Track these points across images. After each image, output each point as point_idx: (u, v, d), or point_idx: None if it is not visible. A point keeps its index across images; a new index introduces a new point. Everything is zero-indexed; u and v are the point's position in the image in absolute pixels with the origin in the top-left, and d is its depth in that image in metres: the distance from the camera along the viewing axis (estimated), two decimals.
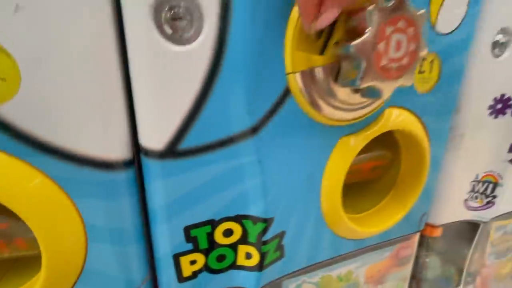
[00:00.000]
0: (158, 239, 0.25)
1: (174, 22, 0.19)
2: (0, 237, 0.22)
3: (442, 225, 0.43)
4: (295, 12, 0.21)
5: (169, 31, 0.19)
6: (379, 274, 0.40)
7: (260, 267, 0.29)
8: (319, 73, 0.23)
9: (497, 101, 0.37)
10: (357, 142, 0.28)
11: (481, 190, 0.42)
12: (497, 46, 0.34)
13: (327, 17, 0.19)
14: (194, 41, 0.20)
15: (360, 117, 0.27)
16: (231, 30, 0.20)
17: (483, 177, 0.41)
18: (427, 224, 0.43)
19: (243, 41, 0.21)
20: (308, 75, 0.23)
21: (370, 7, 0.19)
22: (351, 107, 0.25)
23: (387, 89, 0.22)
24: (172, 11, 0.19)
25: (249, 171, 0.25)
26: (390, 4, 0.20)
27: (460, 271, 0.48)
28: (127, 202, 0.24)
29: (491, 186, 0.42)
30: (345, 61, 0.22)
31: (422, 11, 0.21)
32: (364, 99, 0.25)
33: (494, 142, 0.39)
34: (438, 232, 0.44)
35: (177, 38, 0.20)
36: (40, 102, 0.19)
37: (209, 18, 0.20)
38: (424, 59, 0.29)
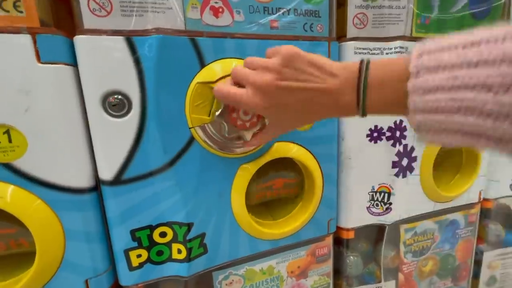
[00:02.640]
0: (114, 239, 0.38)
1: (114, 106, 0.34)
2: (11, 238, 0.36)
3: (353, 228, 0.54)
4: (189, 91, 0.36)
5: (111, 111, 0.34)
6: (300, 270, 0.51)
7: (188, 259, 0.41)
8: (209, 127, 0.37)
9: (372, 131, 0.50)
10: (253, 167, 0.41)
11: (379, 199, 0.53)
12: None
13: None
14: (126, 116, 0.34)
15: (249, 151, 0.41)
16: (148, 107, 0.35)
17: (378, 188, 0.53)
18: (341, 228, 0.54)
19: (157, 113, 0.35)
20: (203, 128, 0.37)
21: None
22: (237, 146, 0.39)
23: (247, 135, 0.36)
24: (112, 101, 0.34)
25: (171, 191, 0.38)
26: None
27: (380, 268, 0.58)
28: (92, 214, 0.37)
29: (386, 195, 0.53)
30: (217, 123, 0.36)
31: None
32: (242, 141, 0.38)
33: (380, 161, 0.51)
34: (351, 234, 0.55)
35: (116, 114, 0.34)
36: (38, 158, 0.33)
37: (134, 103, 0.34)
38: None
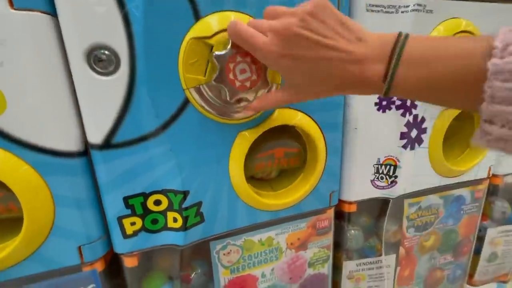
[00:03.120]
0: (106, 206, 0.36)
1: (100, 62, 0.31)
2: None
3: (356, 202, 0.53)
4: (183, 47, 0.32)
5: (97, 67, 0.31)
6: (300, 242, 0.50)
7: (184, 228, 0.39)
8: (206, 90, 0.34)
9: (381, 99, 0.47)
10: (252, 134, 0.39)
11: (385, 172, 0.51)
12: None
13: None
14: (114, 74, 0.31)
15: (249, 117, 0.38)
16: (138, 65, 0.32)
17: (384, 160, 0.50)
18: (343, 201, 0.53)
19: (147, 72, 0.32)
20: (199, 91, 0.34)
21: (215, 54, 0.30)
22: (236, 111, 0.36)
23: (250, 96, 0.33)
24: (98, 56, 0.30)
25: (165, 157, 0.36)
26: (228, 47, 0.30)
27: (382, 242, 0.57)
28: (83, 179, 0.35)
29: (392, 168, 0.51)
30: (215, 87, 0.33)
31: None
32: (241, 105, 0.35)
33: (387, 131, 0.48)
34: (353, 208, 0.53)
35: (102, 72, 0.31)
36: (20, 117, 0.30)
37: (122, 60, 0.31)
38: None
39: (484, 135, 0.20)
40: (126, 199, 0.36)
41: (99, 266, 0.39)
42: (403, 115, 0.47)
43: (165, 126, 0.34)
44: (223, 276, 0.46)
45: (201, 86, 0.34)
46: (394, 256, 0.59)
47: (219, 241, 0.44)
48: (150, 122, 0.34)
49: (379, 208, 0.56)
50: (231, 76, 0.32)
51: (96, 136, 0.33)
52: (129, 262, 0.40)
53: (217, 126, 0.37)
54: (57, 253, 0.36)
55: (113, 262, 0.42)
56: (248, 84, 0.32)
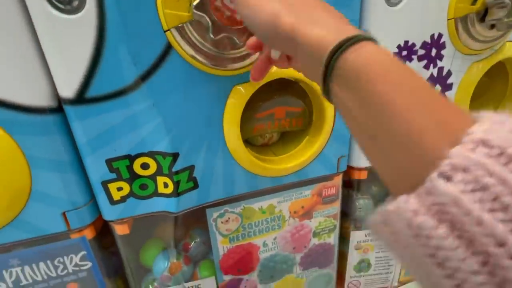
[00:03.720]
0: (89, 169, 0.33)
1: None
2: None
3: (367, 168, 0.48)
4: None
5: (56, 2, 0.25)
6: (304, 210, 0.47)
7: (176, 194, 0.36)
8: (189, 28, 0.28)
9: (401, 48, 0.40)
10: (248, 89, 0.34)
11: None
12: None
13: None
14: (79, 11, 0.26)
15: (246, 66, 0.32)
16: (106, 2, 0.26)
17: None
18: (352, 168, 0.48)
19: (119, 8, 0.27)
20: (181, 31, 0.29)
21: None
22: (230, 57, 0.31)
23: (240, 36, 0.27)
24: None
25: (148, 114, 0.31)
26: None
27: None
28: (59, 139, 0.31)
29: None
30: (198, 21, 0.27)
31: None
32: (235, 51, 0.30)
33: None
34: (364, 175, 0.49)
35: (64, 8, 0.26)
36: None
37: None
38: None
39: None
40: (109, 162, 0.33)
41: (88, 233, 0.37)
42: (426, 67, 0.41)
43: (145, 76, 0.30)
44: (221, 245, 0.43)
45: (184, 26, 0.28)
46: None
47: (215, 209, 0.41)
48: (128, 72, 0.29)
49: None
50: (217, 2, 0.25)
51: (67, 89, 0.29)
52: (120, 230, 0.38)
53: (207, 78, 0.32)
54: (40, 220, 0.34)
55: (107, 231, 0.40)
56: (239, 16, 0.27)
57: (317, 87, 0.37)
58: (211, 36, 0.27)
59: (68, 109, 0.30)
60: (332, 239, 0.51)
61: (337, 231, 0.51)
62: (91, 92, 0.29)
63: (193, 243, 0.49)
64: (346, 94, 0.18)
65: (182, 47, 0.29)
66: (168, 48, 0.29)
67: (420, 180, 0.14)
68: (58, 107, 0.31)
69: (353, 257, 0.56)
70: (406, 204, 0.14)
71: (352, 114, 0.18)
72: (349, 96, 0.17)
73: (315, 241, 0.50)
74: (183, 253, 0.47)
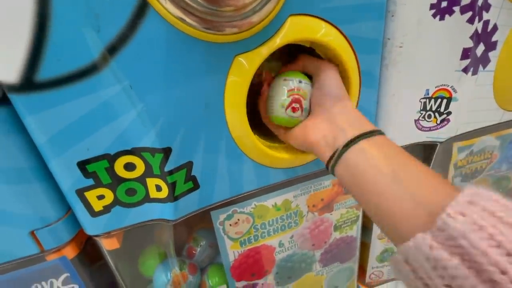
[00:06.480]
0: (57, 176, 0.26)
1: None
2: None
3: None
4: None
5: None
6: (324, 203, 0.40)
7: (173, 198, 0.29)
8: None
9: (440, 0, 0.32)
10: (254, 59, 0.26)
11: (433, 108, 0.39)
12: None
13: None
14: None
15: (247, 29, 0.24)
16: None
17: (434, 92, 0.38)
18: None
19: None
20: None
21: None
22: (226, 16, 0.23)
23: None
24: None
25: (125, 100, 0.24)
26: None
27: None
28: (11, 140, 0.24)
29: (444, 101, 0.38)
30: None
31: None
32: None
33: (442, 50, 0.35)
34: None
35: None
36: None
37: None
38: None
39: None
40: (82, 165, 0.25)
41: (69, 252, 0.30)
42: (470, 21, 0.33)
43: (114, 48, 0.22)
44: (231, 250, 0.37)
45: None
46: None
47: (222, 210, 0.34)
48: (89, 44, 0.21)
49: (421, 156, 0.45)
50: None
51: (7, 71, 0.21)
52: (107, 245, 0.31)
53: (199, 47, 0.24)
54: (5, 243, 0.27)
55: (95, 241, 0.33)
56: None
57: (342, 53, 0.29)
58: None
59: (15, 98, 0.22)
60: (355, 231, 0.46)
61: (359, 222, 0.45)
62: (42, 74, 0.21)
63: (198, 247, 0.43)
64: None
65: (162, 4, 0.21)
66: (143, 5, 0.21)
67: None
68: (3, 97, 0.23)
69: (376, 248, 0.51)
70: (424, 240, 0.17)
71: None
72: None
73: (336, 235, 0.44)
74: (187, 260, 0.41)
